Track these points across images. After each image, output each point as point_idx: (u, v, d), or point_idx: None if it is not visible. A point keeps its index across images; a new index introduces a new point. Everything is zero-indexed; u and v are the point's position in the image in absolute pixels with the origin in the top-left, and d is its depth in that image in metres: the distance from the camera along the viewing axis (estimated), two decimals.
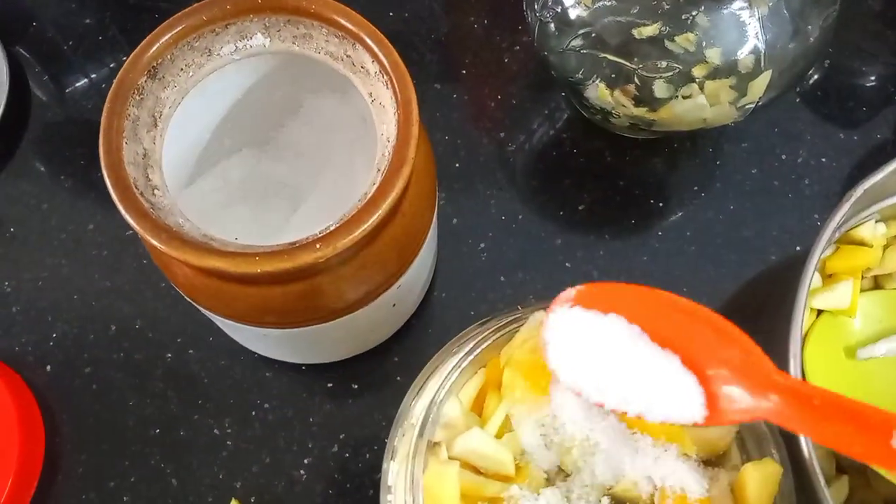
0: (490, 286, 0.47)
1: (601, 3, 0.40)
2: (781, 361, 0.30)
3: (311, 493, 0.43)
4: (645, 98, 0.41)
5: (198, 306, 0.36)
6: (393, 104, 0.33)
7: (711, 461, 0.29)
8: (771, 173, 0.50)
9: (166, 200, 0.33)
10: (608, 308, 0.26)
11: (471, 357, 0.27)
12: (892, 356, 0.38)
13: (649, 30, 0.39)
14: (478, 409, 0.29)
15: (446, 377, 0.27)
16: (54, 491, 0.43)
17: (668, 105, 0.42)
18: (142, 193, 0.32)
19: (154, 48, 0.34)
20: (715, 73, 0.39)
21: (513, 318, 0.28)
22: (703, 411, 0.25)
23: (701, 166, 0.50)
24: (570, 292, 0.26)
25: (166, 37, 0.34)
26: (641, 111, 0.43)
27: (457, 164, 0.50)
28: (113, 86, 0.33)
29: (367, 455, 0.43)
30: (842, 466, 0.37)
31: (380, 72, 0.34)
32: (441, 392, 0.27)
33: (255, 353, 0.44)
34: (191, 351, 0.45)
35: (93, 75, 0.54)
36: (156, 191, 0.33)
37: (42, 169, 0.51)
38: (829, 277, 0.39)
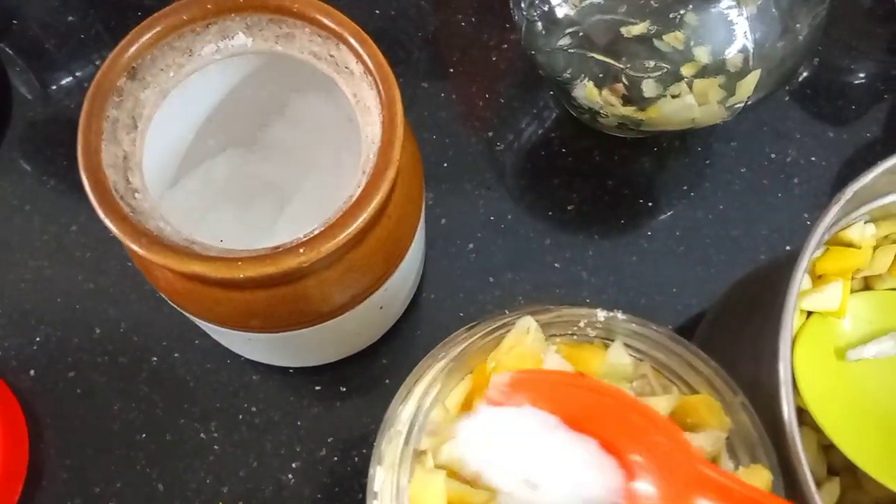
0: (479, 287, 0.47)
1: (588, 2, 0.40)
2: (771, 363, 0.30)
3: (300, 497, 0.42)
4: (633, 97, 0.41)
5: (181, 311, 0.36)
6: (377, 105, 0.33)
7: None
8: (760, 172, 0.49)
9: (147, 204, 0.32)
10: (522, 401, 0.26)
11: (457, 363, 0.27)
12: (881, 357, 0.38)
13: (637, 28, 0.39)
14: None
15: (432, 383, 0.27)
16: (39, 496, 0.42)
17: (656, 104, 0.41)
18: (122, 197, 0.31)
19: (133, 48, 0.33)
20: (703, 72, 0.39)
21: (501, 322, 0.28)
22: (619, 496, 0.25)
23: (690, 165, 0.50)
24: (486, 395, 0.26)
25: (146, 37, 0.33)
26: (630, 110, 0.42)
27: (445, 164, 0.50)
28: (91, 87, 0.32)
29: (356, 458, 0.43)
30: (833, 468, 0.37)
31: (364, 72, 0.34)
32: (427, 399, 0.27)
33: (242, 357, 0.44)
34: (176, 354, 0.45)
35: (77, 73, 0.53)
36: (136, 194, 0.32)
37: (24, 169, 0.50)
38: (818, 279, 0.38)
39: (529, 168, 0.50)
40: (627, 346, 0.29)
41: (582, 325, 0.28)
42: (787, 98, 0.52)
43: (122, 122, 0.33)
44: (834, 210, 0.31)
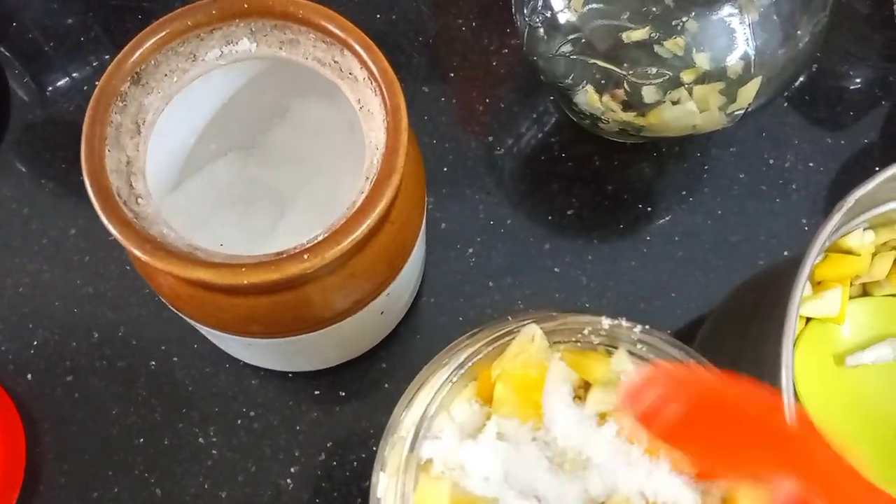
0: (478, 291, 0.47)
1: (590, 7, 0.40)
2: (772, 369, 0.30)
3: (298, 502, 0.42)
4: (633, 103, 0.41)
5: (182, 316, 0.36)
6: (381, 111, 0.33)
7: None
8: (759, 178, 0.50)
9: (150, 209, 0.32)
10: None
11: (461, 371, 0.27)
12: (880, 363, 0.38)
13: (638, 34, 0.39)
14: None
15: (437, 391, 0.27)
16: (36, 502, 0.42)
17: (657, 110, 0.41)
18: (125, 202, 0.31)
19: (137, 53, 0.33)
20: (704, 79, 0.39)
21: (505, 330, 0.28)
22: None
23: (689, 171, 0.50)
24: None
25: (150, 42, 0.33)
26: (630, 116, 0.42)
27: (445, 169, 0.50)
28: (95, 92, 0.32)
29: (355, 463, 0.43)
30: None
31: (368, 78, 0.34)
32: (432, 406, 0.27)
33: (241, 361, 0.44)
34: (175, 358, 0.45)
35: (75, 75, 0.53)
36: (139, 199, 0.32)
37: (23, 172, 0.50)
38: (817, 285, 0.39)
39: (529, 173, 0.50)
40: (630, 353, 0.29)
41: (586, 332, 0.28)
42: (785, 104, 0.52)
43: (125, 128, 0.33)
44: (836, 218, 0.31)
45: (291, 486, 0.43)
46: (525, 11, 0.43)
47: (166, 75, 0.34)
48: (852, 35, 0.55)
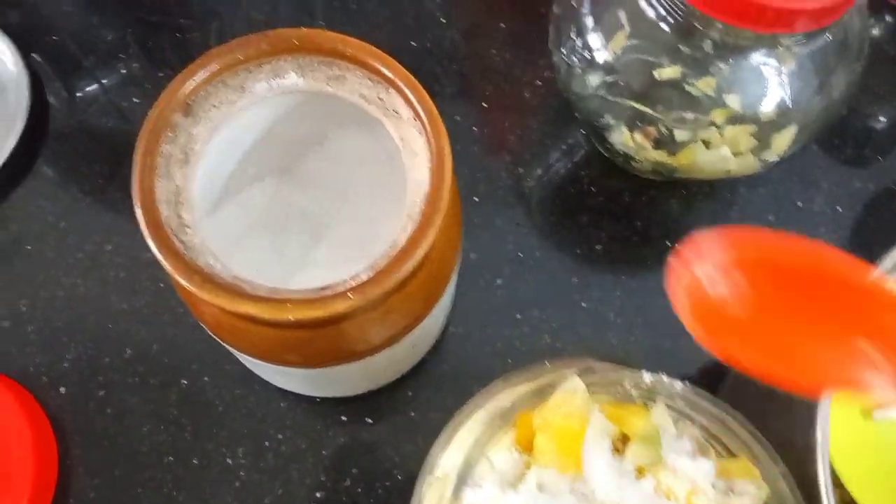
0: (505, 322, 0.47)
1: (629, 46, 0.40)
2: (806, 424, 0.30)
3: None
4: (664, 140, 0.42)
5: (221, 342, 0.36)
6: (426, 151, 0.34)
7: None
8: (787, 220, 0.50)
9: (197, 239, 0.33)
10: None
11: (501, 417, 0.28)
12: None
13: (669, 72, 0.40)
14: None
15: (477, 438, 0.27)
16: None
17: (687, 150, 0.42)
18: (174, 233, 0.32)
19: (188, 85, 0.34)
20: (735, 120, 0.40)
21: (546, 381, 0.28)
22: None
23: (718, 211, 0.50)
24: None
25: (201, 73, 0.34)
26: (661, 155, 0.43)
27: (475, 198, 0.50)
28: (146, 122, 0.33)
29: (380, 491, 0.43)
30: None
31: (413, 118, 0.34)
32: (473, 451, 0.27)
33: (271, 384, 0.44)
34: (206, 378, 0.45)
35: (111, 92, 0.54)
36: (187, 229, 0.33)
37: (59, 186, 0.51)
38: None
39: (559, 205, 0.51)
40: (669, 406, 0.29)
41: (626, 385, 0.29)
42: (814, 146, 0.52)
43: (175, 158, 0.34)
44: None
45: None
46: (563, 51, 0.43)
47: (214, 106, 0.35)
48: (881, 77, 0.56)
